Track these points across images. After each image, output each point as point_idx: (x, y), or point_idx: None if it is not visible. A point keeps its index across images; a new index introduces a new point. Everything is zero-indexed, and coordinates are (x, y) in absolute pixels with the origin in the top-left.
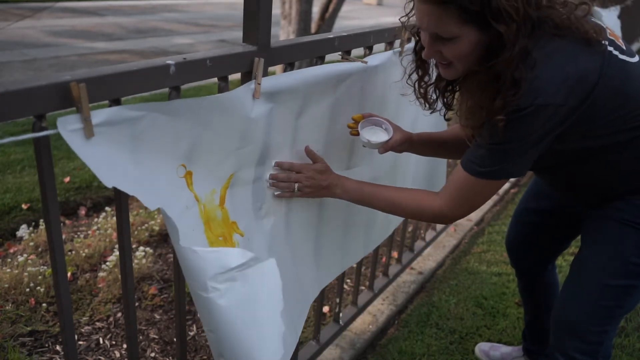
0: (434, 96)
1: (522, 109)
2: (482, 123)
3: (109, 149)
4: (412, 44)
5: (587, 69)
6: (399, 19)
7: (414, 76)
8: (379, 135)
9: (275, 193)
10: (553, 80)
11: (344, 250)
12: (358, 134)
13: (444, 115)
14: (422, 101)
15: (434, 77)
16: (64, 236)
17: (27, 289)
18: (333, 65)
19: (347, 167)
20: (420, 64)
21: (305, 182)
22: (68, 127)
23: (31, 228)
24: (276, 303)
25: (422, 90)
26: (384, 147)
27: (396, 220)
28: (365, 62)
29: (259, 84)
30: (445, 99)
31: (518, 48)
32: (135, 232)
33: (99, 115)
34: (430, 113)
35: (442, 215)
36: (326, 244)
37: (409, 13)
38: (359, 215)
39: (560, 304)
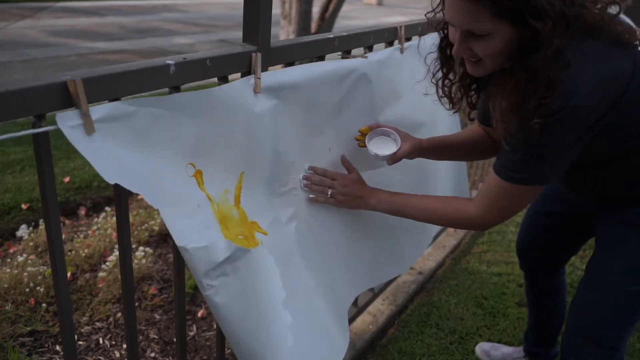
0: (459, 95)
1: (557, 111)
2: (517, 124)
3: (111, 146)
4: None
5: (621, 70)
6: (425, 15)
7: (438, 74)
8: (388, 146)
9: (310, 196)
10: (587, 81)
11: (373, 264)
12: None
13: (469, 115)
14: (446, 100)
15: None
16: (64, 236)
17: (27, 289)
18: (333, 62)
19: (371, 167)
20: (446, 61)
21: (340, 189)
22: (68, 123)
23: (31, 228)
24: (275, 293)
25: (446, 89)
26: (392, 159)
27: (427, 237)
28: (366, 57)
29: (259, 78)
30: (469, 98)
31: (553, 47)
32: (135, 232)
33: (98, 111)
34: (453, 113)
35: (478, 223)
36: (357, 253)
37: (435, 8)
38: (388, 228)
39: (576, 309)
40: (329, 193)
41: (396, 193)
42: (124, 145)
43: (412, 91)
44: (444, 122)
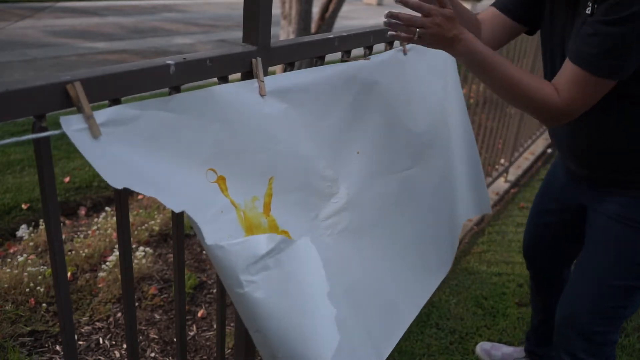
0: None
1: None
2: None
3: (119, 150)
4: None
5: None
6: None
7: None
8: None
9: (389, 34)
10: None
11: (430, 261)
12: None
13: None
14: None
15: None
16: (64, 236)
17: (27, 289)
18: (336, 65)
19: (398, 171)
20: None
21: (431, 29)
22: (72, 127)
23: (31, 228)
24: (319, 284)
25: None
26: None
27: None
28: (368, 59)
29: (262, 81)
30: None
31: None
32: (135, 232)
33: (102, 115)
34: None
35: (559, 112)
36: (413, 257)
37: None
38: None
39: (566, 304)
40: (416, 35)
41: (488, 48)
42: (133, 150)
43: (419, 90)
44: (457, 126)
